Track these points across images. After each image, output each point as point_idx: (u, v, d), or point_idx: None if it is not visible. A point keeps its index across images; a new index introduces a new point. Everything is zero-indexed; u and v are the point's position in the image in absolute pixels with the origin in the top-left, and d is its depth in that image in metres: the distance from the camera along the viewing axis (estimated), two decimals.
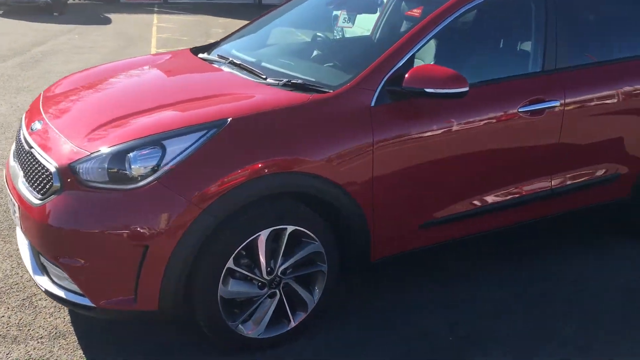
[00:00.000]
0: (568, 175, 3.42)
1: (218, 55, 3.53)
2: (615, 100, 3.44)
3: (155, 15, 17.12)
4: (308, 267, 2.78)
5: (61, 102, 3.09)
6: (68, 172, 2.45)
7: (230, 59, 3.36)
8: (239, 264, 2.58)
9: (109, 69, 3.56)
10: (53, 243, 2.47)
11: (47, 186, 2.51)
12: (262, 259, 2.61)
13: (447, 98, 2.77)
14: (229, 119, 2.52)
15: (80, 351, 2.72)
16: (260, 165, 2.49)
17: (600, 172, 3.53)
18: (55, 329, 2.86)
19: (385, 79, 2.81)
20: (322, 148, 2.64)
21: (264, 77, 3.02)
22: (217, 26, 15.22)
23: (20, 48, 10.69)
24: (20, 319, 2.92)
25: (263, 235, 2.57)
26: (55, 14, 15.90)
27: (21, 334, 2.81)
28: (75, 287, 2.49)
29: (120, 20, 15.50)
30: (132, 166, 2.39)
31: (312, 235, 2.70)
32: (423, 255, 3.19)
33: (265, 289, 2.68)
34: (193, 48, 3.80)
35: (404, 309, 3.13)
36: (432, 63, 3.07)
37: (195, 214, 2.39)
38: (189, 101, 2.79)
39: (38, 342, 2.76)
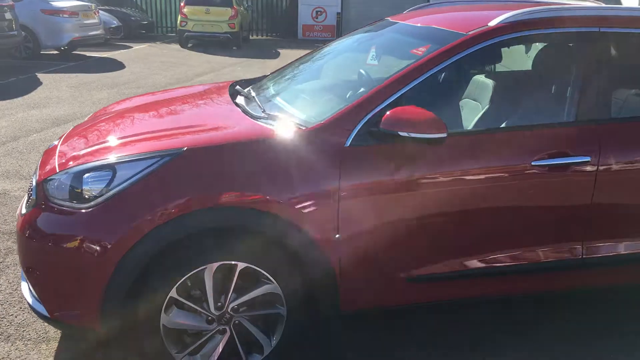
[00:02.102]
0: (607, 245, 2.91)
1: (250, 87, 3.58)
2: None
3: None
4: (264, 308, 2.68)
5: (88, 124, 3.34)
6: (41, 187, 2.64)
7: (251, 91, 3.39)
8: (184, 294, 2.56)
9: (152, 97, 3.78)
10: (21, 252, 2.67)
11: (30, 199, 2.73)
12: (210, 293, 2.57)
13: (422, 143, 2.53)
14: (184, 149, 2.54)
15: (52, 358, 2.88)
16: (207, 197, 2.47)
17: None
18: (46, 333, 3.06)
19: (366, 118, 2.65)
20: (281, 186, 2.54)
21: (262, 110, 3.00)
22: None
23: (186, 77, 11.77)
24: (23, 320, 3.17)
25: (209, 268, 2.53)
26: (234, 48, 17.29)
27: (15, 333, 3.05)
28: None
29: (286, 55, 16.38)
30: (84, 187, 2.51)
31: (268, 275, 2.60)
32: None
33: (214, 324, 2.62)
34: (236, 81, 3.88)
35: None
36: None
37: (135, 239, 2.42)
38: (171, 130, 2.86)
39: (23, 344, 2.97)
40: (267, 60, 15.31)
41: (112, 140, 2.83)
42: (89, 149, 2.78)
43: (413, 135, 2.51)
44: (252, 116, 2.94)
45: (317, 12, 20.80)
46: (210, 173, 2.52)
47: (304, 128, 2.68)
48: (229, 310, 2.61)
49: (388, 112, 2.58)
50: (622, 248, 2.94)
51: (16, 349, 2.93)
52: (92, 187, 2.50)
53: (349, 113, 2.66)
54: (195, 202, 2.46)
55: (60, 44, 13.56)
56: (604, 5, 3.04)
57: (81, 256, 2.46)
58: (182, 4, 17.32)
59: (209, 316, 2.61)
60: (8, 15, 11.77)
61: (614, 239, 2.93)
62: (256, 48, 18.10)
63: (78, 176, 2.55)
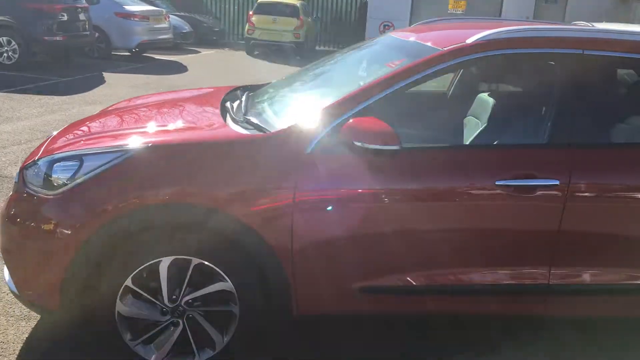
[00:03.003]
0: (576, 273, 2.82)
1: (247, 92, 3.68)
2: None
3: None
4: (217, 305, 2.74)
5: (95, 117, 3.52)
6: (22, 174, 2.82)
7: (244, 96, 3.49)
8: (140, 285, 2.67)
9: (159, 97, 3.95)
10: (0, 233, 2.85)
11: (14, 184, 2.92)
12: (164, 285, 2.67)
13: (376, 154, 2.56)
14: (148, 145, 2.66)
15: (26, 335, 3.05)
16: (164, 193, 2.57)
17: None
18: (29, 312, 3.23)
19: (329, 127, 2.68)
20: (238, 188, 2.61)
21: (243, 114, 3.09)
22: None
23: (241, 83, 12.02)
24: (12, 299, 3.33)
25: (165, 261, 2.63)
26: (297, 57, 17.54)
27: (1, 310, 3.25)
28: None
29: None
30: (53, 175, 2.66)
31: (221, 273, 2.67)
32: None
33: (168, 316, 2.71)
34: (240, 86, 3.99)
35: None
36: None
37: (93, 228, 2.55)
38: (145, 128, 2.99)
39: (6, 319, 3.16)
40: None
41: (94, 134, 3.00)
42: (70, 141, 2.95)
43: (366, 145, 2.53)
44: (233, 120, 3.02)
45: (385, 26, 20.77)
46: (169, 170, 2.62)
47: (268, 133, 2.74)
48: (182, 303, 2.70)
49: (348, 122, 2.61)
50: (592, 278, 2.83)
51: None
52: (60, 176, 2.65)
53: (313, 121, 2.71)
54: (152, 197, 2.57)
55: (129, 45, 14.21)
56: (591, 27, 2.95)
57: (46, 240, 2.62)
58: (250, 13, 17.79)
59: (163, 308, 2.70)
60: (82, 17, 12.46)
61: (583, 267, 2.82)
62: (320, 58, 18.27)
63: (50, 165, 2.71)
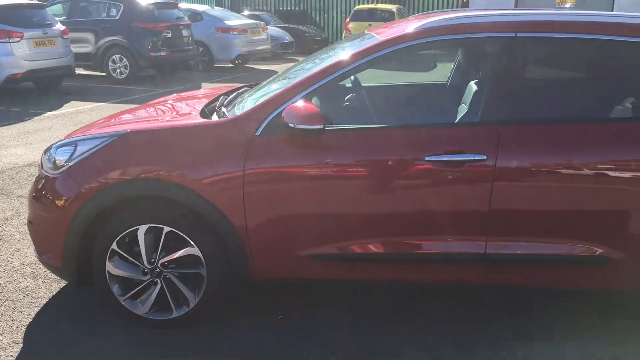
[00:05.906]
0: (510, 244, 2.97)
1: (245, 88, 4.15)
2: (596, 169, 2.87)
3: None
4: (188, 268, 3.20)
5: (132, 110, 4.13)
6: (42, 158, 3.47)
7: (235, 93, 3.95)
8: (125, 248, 3.19)
9: (185, 93, 4.52)
10: (28, 207, 3.51)
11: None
12: (142, 249, 3.17)
13: (305, 133, 2.90)
14: (127, 131, 3.19)
15: (54, 293, 3.70)
16: (137, 170, 3.08)
17: (568, 250, 2.94)
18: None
19: (276, 112, 3.05)
20: (197, 164, 3.05)
21: (218, 107, 3.55)
22: None
23: None
24: None
25: (141, 229, 3.13)
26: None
27: (42, 274, 3.94)
28: None
29: (443, 68, 16.46)
30: (57, 157, 3.27)
31: (189, 239, 3.13)
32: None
33: (148, 276, 3.21)
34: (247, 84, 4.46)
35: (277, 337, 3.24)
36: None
37: (83, 200, 3.12)
38: (139, 119, 3.54)
39: (42, 282, 3.83)
40: (418, 73, 15.57)
41: (100, 125, 3.58)
42: (81, 131, 3.56)
43: (298, 126, 2.89)
44: (215, 111, 3.49)
45: None
46: (142, 151, 3.13)
47: (225, 119, 3.17)
48: (159, 265, 3.19)
49: (286, 107, 2.97)
50: (527, 249, 2.96)
51: (35, 284, 3.80)
52: (61, 158, 3.25)
53: (262, 107, 3.10)
54: (127, 174, 3.08)
55: (229, 57, 15.25)
56: (525, 11, 3.09)
57: (51, 211, 3.22)
58: (347, 20, 18.33)
59: (144, 269, 3.20)
60: (185, 33, 13.65)
61: (517, 238, 2.95)
62: (414, 62, 18.37)
63: (56, 150, 3.32)
